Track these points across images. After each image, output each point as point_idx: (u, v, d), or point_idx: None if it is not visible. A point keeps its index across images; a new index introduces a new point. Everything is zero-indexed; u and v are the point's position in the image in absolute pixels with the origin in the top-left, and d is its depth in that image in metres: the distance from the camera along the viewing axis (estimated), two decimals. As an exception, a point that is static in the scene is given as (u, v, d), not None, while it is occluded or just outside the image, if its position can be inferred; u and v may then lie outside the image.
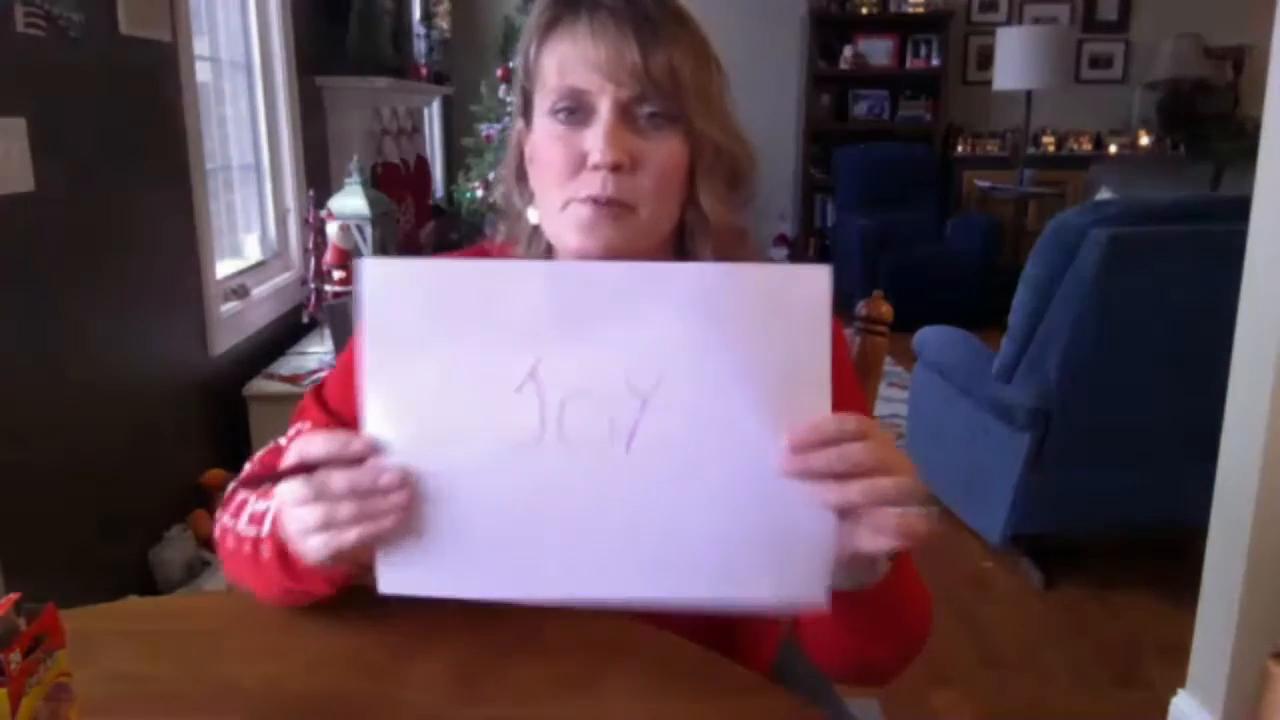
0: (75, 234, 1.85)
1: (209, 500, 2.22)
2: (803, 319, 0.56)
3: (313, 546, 0.62)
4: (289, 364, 2.65)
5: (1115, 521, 2.48)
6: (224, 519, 0.79)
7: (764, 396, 0.56)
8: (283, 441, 0.84)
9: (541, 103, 0.77)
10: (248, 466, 0.85)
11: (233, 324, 2.54)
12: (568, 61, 0.74)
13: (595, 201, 0.74)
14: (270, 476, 0.63)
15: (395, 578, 0.62)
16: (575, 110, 0.75)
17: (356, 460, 0.60)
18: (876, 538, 0.59)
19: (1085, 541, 2.63)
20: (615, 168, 0.73)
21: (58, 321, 1.79)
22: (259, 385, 2.53)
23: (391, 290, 0.59)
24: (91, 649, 0.70)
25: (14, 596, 0.59)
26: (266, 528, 0.72)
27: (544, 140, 0.77)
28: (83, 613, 0.79)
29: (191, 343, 2.35)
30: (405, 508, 0.60)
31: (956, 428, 2.63)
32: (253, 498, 0.77)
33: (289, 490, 0.62)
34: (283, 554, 0.69)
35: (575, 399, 0.57)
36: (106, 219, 1.97)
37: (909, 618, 0.75)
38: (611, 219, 0.74)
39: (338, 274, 2.72)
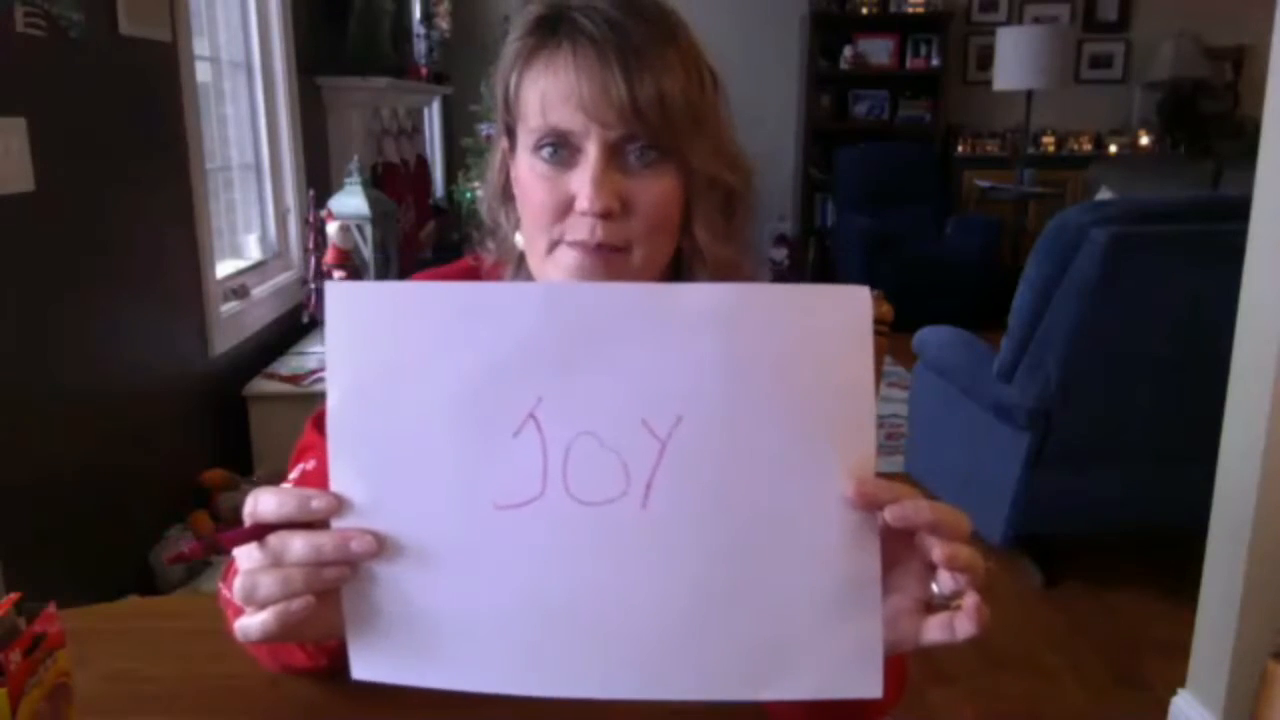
0: (75, 234, 1.85)
1: (209, 500, 2.22)
2: (841, 347, 0.48)
3: (259, 621, 0.53)
4: (289, 364, 2.65)
5: (1115, 521, 2.47)
6: (223, 589, 0.72)
7: (801, 439, 0.48)
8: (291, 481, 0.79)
9: (524, 139, 0.72)
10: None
11: (233, 324, 2.54)
12: (549, 98, 0.69)
13: (584, 247, 0.70)
14: (222, 543, 0.54)
15: (370, 662, 0.54)
16: (559, 148, 0.70)
17: (321, 520, 0.52)
18: (964, 623, 0.52)
19: (1085, 541, 2.63)
20: (605, 215, 0.68)
21: (58, 321, 1.79)
22: (259, 385, 2.53)
23: (359, 318, 0.49)
24: (91, 649, 0.70)
25: (14, 596, 0.59)
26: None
27: (528, 179, 0.72)
28: (83, 613, 0.79)
29: (191, 343, 2.35)
30: (370, 577, 0.51)
31: (956, 428, 2.63)
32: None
33: (240, 557, 0.54)
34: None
35: (582, 443, 0.48)
36: (106, 219, 1.96)
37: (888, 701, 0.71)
38: (602, 265, 0.70)
39: (338, 274, 2.72)
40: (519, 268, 0.80)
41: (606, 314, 0.49)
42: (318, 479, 0.77)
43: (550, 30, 0.70)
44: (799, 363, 0.48)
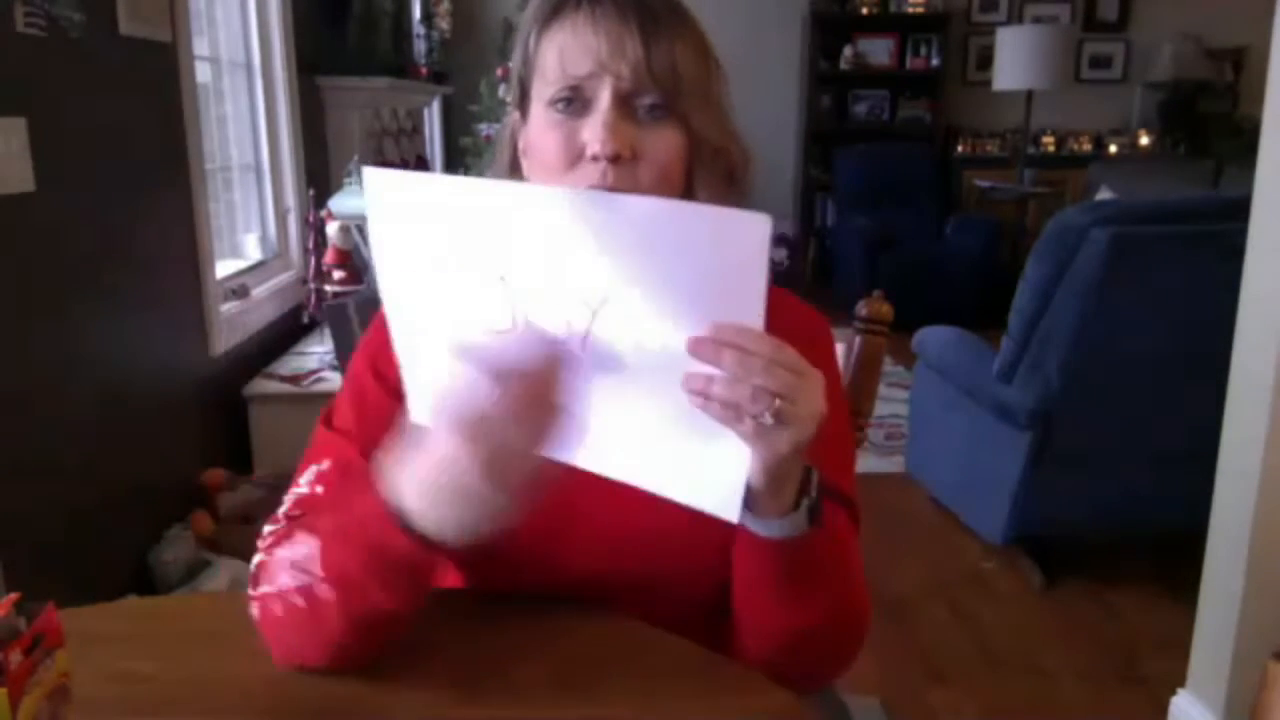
0: (75, 234, 1.85)
1: (209, 500, 2.22)
2: (740, 259, 0.59)
3: (480, 473, 0.61)
4: (289, 364, 2.65)
5: (1115, 521, 2.47)
6: (258, 591, 0.73)
7: (698, 320, 0.60)
8: (306, 490, 0.79)
9: (540, 93, 0.76)
10: (270, 528, 0.78)
11: (233, 324, 2.54)
12: (567, 51, 0.73)
13: None
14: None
15: (422, 409, 0.69)
16: (573, 100, 0.73)
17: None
18: (750, 446, 0.61)
19: (1085, 541, 2.63)
20: (615, 159, 0.71)
21: (57, 322, 1.79)
22: (259, 385, 2.53)
23: (389, 194, 0.66)
24: (91, 649, 0.70)
25: (14, 596, 0.59)
26: (318, 568, 0.69)
27: (541, 130, 0.75)
28: (83, 613, 0.79)
29: (191, 343, 2.35)
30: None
31: (956, 428, 2.63)
32: (282, 550, 0.72)
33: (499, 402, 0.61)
34: (341, 579, 0.68)
35: (538, 300, 0.64)
36: (107, 219, 1.96)
37: (837, 582, 0.74)
38: None
39: (338, 274, 2.72)
40: None
41: (561, 211, 0.61)
42: (337, 473, 0.78)
43: None
44: (703, 265, 0.60)
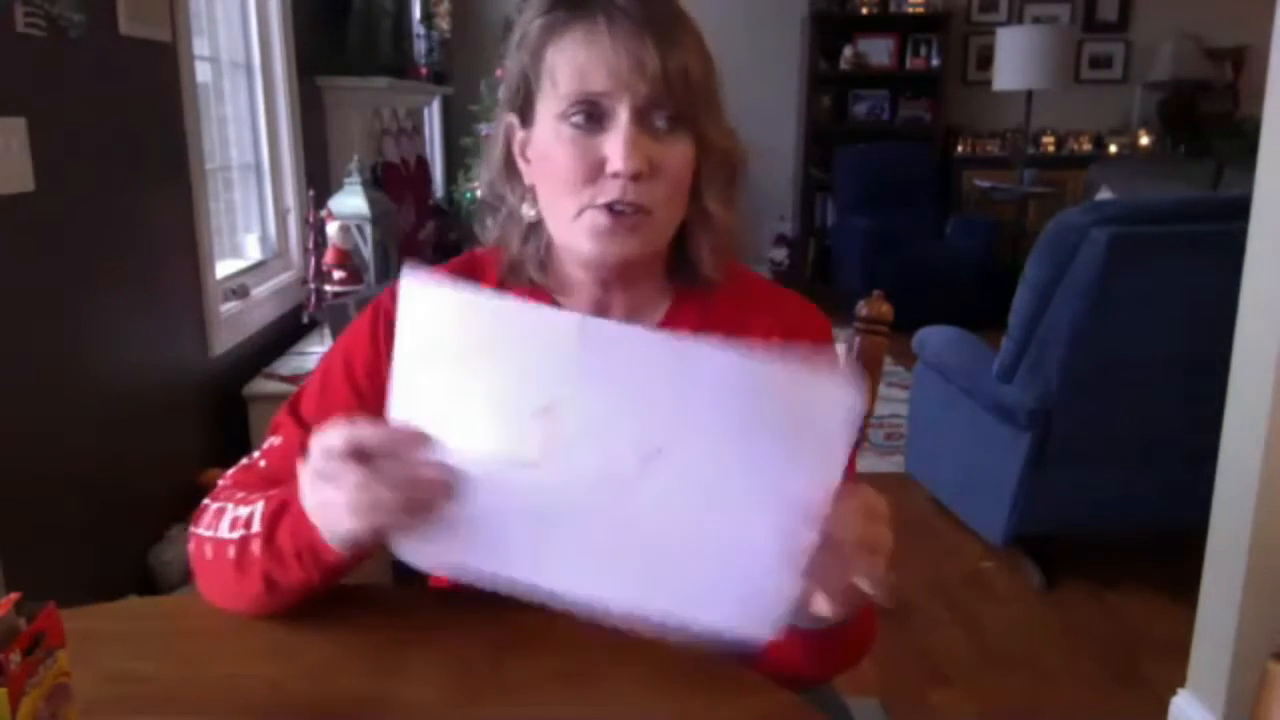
0: (75, 234, 1.85)
1: (209, 500, 2.22)
2: (823, 428, 0.56)
3: (349, 526, 0.63)
4: (289, 364, 2.65)
5: (1115, 521, 2.47)
6: (198, 530, 0.80)
7: (767, 478, 0.57)
8: (256, 456, 0.85)
9: (550, 105, 0.75)
10: (223, 481, 0.86)
11: (233, 324, 2.54)
12: (586, 66, 0.73)
13: (613, 209, 0.74)
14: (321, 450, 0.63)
15: (414, 555, 0.66)
16: (590, 114, 0.73)
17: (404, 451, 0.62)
18: (833, 605, 0.62)
19: (1085, 541, 2.63)
20: (635, 176, 0.72)
21: (57, 322, 1.79)
22: (259, 385, 2.52)
23: (428, 310, 0.61)
24: (91, 649, 0.70)
25: (14, 596, 0.59)
26: (256, 526, 0.74)
27: (556, 145, 0.75)
28: (83, 613, 0.79)
29: (191, 343, 2.35)
30: (445, 499, 0.62)
31: (956, 428, 2.63)
32: (231, 505, 0.78)
33: (344, 473, 0.62)
34: (270, 543, 0.72)
35: (582, 440, 0.59)
36: (106, 219, 1.96)
37: (855, 651, 0.79)
38: (629, 228, 0.75)
39: (338, 274, 2.72)
40: (525, 241, 0.83)
41: (627, 353, 0.59)
42: (282, 452, 0.83)
43: (577, 4, 0.74)
44: (779, 434, 0.57)
